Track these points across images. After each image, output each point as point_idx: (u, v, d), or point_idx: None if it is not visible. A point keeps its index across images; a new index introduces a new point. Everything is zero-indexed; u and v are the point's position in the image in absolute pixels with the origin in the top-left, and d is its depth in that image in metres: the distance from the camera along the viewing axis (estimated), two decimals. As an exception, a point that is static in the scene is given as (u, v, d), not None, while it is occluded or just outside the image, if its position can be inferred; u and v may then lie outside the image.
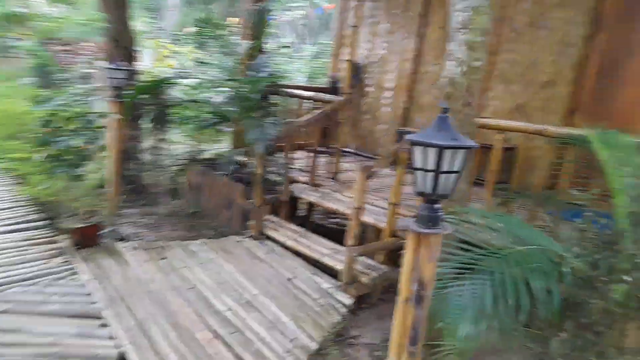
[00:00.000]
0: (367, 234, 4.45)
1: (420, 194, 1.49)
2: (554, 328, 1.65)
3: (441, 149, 1.38)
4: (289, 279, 3.49)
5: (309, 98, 5.00)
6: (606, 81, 4.65)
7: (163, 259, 3.82)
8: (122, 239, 4.18)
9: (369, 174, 3.25)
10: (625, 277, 1.58)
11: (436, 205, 1.49)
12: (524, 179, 3.90)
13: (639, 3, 4.40)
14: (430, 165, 1.42)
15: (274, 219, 4.41)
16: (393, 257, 3.80)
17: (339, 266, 3.53)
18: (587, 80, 4.72)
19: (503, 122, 3.59)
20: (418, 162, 1.45)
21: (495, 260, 1.76)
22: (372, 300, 3.48)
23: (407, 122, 6.19)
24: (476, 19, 2.46)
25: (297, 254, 3.91)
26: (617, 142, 2.64)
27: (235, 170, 4.84)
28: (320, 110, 4.51)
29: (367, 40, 6.62)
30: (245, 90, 4.82)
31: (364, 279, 3.37)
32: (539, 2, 4.96)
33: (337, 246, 3.86)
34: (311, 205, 4.70)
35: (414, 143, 1.44)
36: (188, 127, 5.30)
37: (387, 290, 3.70)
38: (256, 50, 5.28)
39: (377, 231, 3.86)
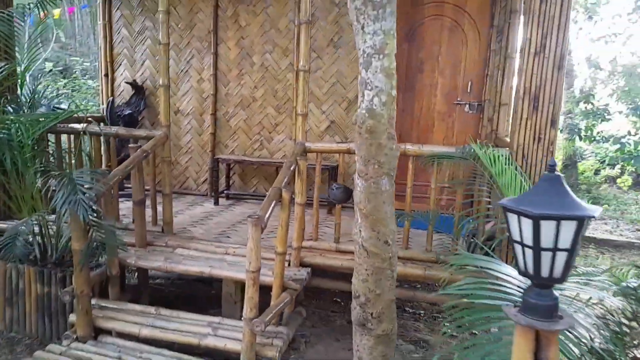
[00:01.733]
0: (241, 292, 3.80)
1: (533, 277, 1.15)
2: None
3: (581, 220, 1.08)
4: (175, 387, 2.58)
5: (115, 135, 3.90)
6: (403, 94, 5.17)
7: None
8: None
9: (263, 226, 2.66)
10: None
11: (554, 291, 1.17)
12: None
13: (418, 25, 5.01)
14: (555, 242, 1.10)
15: (105, 302, 3.25)
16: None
17: (231, 345, 2.82)
18: (387, 95, 5.14)
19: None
20: (530, 238, 1.11)
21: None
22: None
23: (217, 149, 5.61)
24: (390, 44, 2.23)
25: (160, 343, 2.96)
26: (495, 156, 2.85)
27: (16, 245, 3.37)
28: (140, 150, 3.55)
29: (147, 59, 5.70)
30: (10, 133, 3.43)
31: (271, 353, 2.77)
32: (334, 23, 5.14)
33: (214, 318, 3.09)
34: (144, 271, 3.68)
35: (528, 215, 1.09)
36: None
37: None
38: (18, 74, 3.83)
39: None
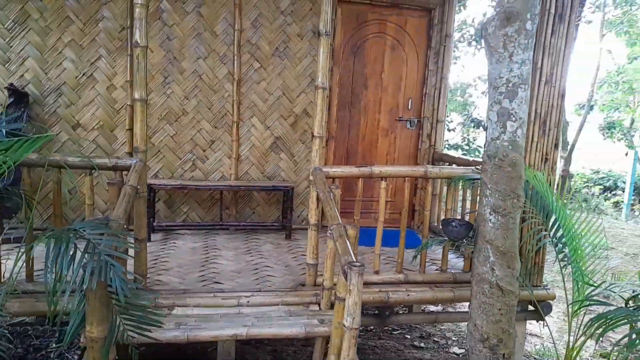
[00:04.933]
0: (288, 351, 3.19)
1: None
2: None
3: None
4: None
5: (67, 166, 2.81)
6: (348, 110, 5.08)
7: None
8: None
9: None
10: None
11: None
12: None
13: (362, 42, 4.99)
14: None
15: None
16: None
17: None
18: (333, 110, 5.00)
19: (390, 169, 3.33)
20: None
21: None
22: None
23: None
24: (530, 75, 2.13)
25: None
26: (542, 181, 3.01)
27: None
28: (130, 187, 2.65)
29: (28, 56, 4.34)
30: None
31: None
32: (280, 31, 4.76)
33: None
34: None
35: None
36: None
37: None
38: None
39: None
